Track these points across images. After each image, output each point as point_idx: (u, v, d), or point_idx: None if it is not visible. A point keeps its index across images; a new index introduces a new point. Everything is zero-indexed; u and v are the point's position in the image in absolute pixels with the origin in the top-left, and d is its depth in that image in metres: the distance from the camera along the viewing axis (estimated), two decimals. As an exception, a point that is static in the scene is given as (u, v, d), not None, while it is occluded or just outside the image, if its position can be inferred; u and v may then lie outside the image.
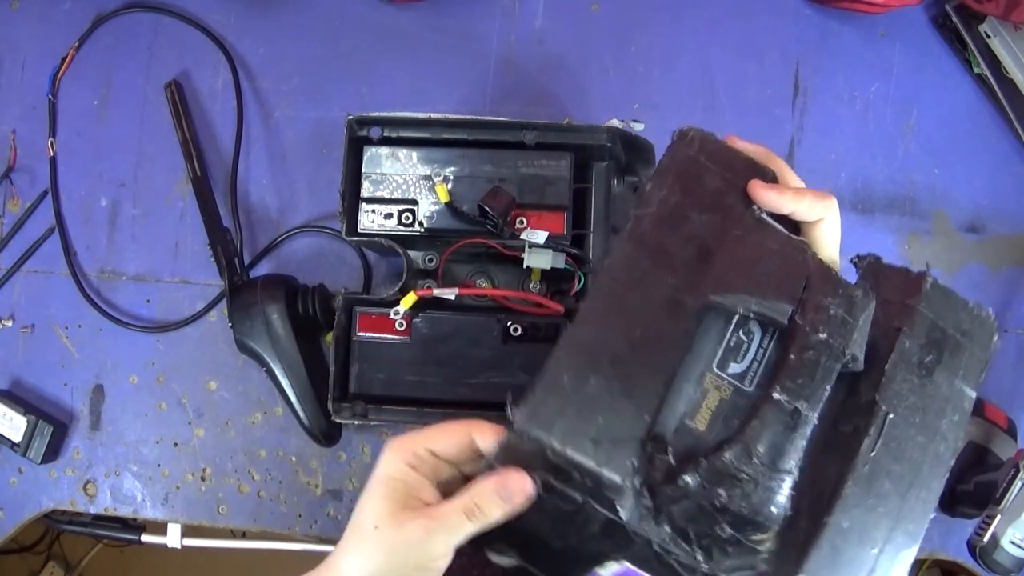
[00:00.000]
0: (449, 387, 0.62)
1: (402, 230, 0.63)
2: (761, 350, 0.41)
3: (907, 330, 0.41)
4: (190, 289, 0.78)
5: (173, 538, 0.76)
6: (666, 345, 0.40)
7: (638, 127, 0.63)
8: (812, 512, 0.39)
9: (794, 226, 0.44)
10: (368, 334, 0.63)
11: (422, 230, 0.63)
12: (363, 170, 0.63)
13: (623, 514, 0.38)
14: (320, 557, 0.42)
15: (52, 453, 0.75)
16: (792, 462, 0.38)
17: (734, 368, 0.41)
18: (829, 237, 0.44)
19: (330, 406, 0.62)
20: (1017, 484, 0.63)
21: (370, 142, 0.64)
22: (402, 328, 0.62)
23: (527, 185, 0.62)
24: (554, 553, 0.43)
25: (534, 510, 0.40)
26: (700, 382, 0.41)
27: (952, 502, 0.70)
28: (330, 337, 0.65)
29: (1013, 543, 0.63)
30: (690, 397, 0.40)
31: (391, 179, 0.63)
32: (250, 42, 0.80)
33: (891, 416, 0.39)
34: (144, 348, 0.77)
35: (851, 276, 0.43)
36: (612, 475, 0.38)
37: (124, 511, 0.76)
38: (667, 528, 0.39)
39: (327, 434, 0.70)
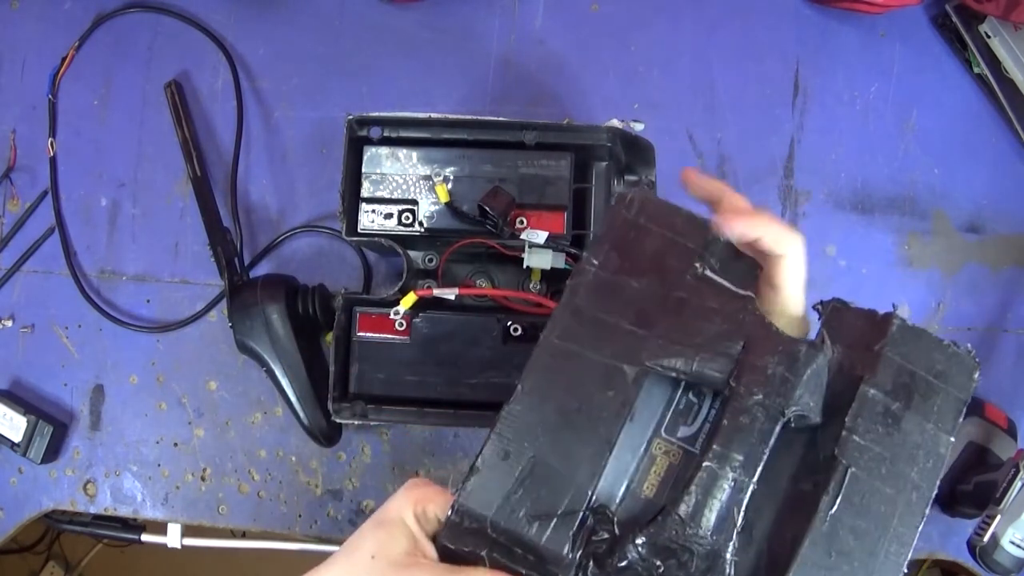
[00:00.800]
0: (449, 387, 0.62)
1: (402, 230, 0.63)
2: (713, 411, 0.41)
3: (868, 377, 0.39)
4: (190, 289, 0.78)
5: (173, 538, 0.76)
6: (605, 415, 0.39)
7: (638, 127, 0.63)
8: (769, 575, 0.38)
9: (755, 266, 0.43)
10: (368, 334, 0.63)
11: (422, 230, 0.63)
12: (363, 170, 0.63)
13: None
14: (321, 557, 0.42)
15: (52, 453, 0.75)
16: (730, 529, 0.37)
17: (684, 431, 0.41)
18: (792, 274, 0.43)
19: (330, 406, 0.62)
20: (1017, 484, 0.63)
21: (370, 142, 0.64)
22: (402, 328, 0.62)
23: (527, 185, 0.62)
24: None
25: None
26: (648, 448, 0.40)
27: (952, 502, 0.70)
28: (330, 337, 0.65)
29: (1013, 543, 0.63)
30: (638, 464, 0.40)
31: (391, 179, 0.63)
32: (250, 42, 0.80)
33: (852, 470, 0.38)
34: (144, 348, 0.77)
35: (815, 322, 0.42)
36: (553, 548, 0.38)
37: (124, 511, 0.76)
38: None
39: (327, 434, 0.70)
